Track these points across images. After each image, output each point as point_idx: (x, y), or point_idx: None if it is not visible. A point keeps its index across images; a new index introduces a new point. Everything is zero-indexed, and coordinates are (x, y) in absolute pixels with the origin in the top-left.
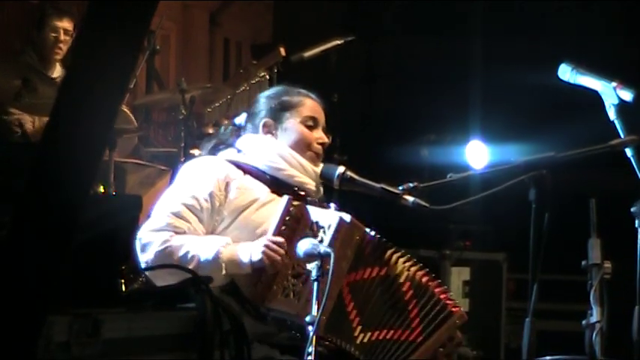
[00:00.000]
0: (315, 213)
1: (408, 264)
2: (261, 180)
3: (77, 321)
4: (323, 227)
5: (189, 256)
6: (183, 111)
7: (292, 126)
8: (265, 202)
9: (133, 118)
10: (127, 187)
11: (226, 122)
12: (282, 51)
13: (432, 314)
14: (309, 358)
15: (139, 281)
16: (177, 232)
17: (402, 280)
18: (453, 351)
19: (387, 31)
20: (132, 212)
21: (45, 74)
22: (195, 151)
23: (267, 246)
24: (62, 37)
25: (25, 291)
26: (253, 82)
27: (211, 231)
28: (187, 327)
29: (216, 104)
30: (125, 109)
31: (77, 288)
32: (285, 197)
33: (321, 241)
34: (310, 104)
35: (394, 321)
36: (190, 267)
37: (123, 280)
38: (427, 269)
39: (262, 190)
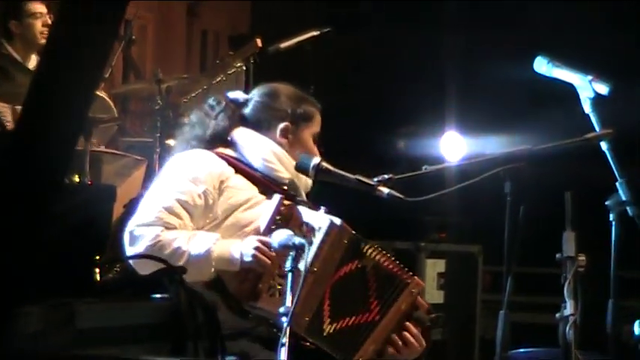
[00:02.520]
0: (306, 214)
1: (375, 254)
2: (252, 179)
3: (52, 311)
4: (314, 229)
5: (180, 251)
6: (159, 101)
7: (306, 138)
8: (255, 203)
9: (113, 106)
10: (102, 177)
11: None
12: (259, 42)
13: (387, 291)
14: (283, 349)
15: (113, 271)
16: (168, 228)
17: (368, 269)
18: (422, 317)
19: (364, 22)
20: (106, 202)
21: (22, 64)
22: (171, 141)
23: (258, 247)
24: (49, 21)
25: None
26: (230, 72)
27: (201, 227)
28: (161, 317)
29: (193, 95)
30: (106, 97)
31: (52, 278)
32: (277, 196)
33: (310, 243)
34: (319, 119)
35: (356, 308)
36: (181, 262)
37: (98, 270)
38: (393, 257)
39: (253, 190)
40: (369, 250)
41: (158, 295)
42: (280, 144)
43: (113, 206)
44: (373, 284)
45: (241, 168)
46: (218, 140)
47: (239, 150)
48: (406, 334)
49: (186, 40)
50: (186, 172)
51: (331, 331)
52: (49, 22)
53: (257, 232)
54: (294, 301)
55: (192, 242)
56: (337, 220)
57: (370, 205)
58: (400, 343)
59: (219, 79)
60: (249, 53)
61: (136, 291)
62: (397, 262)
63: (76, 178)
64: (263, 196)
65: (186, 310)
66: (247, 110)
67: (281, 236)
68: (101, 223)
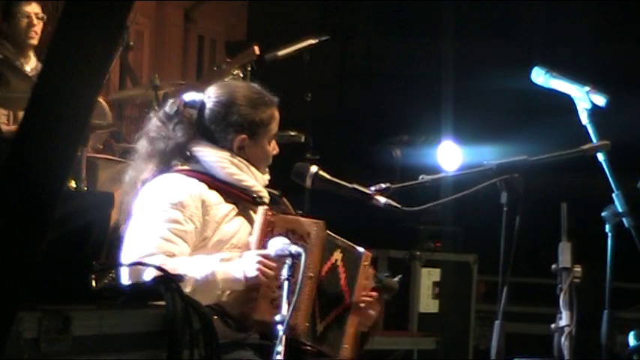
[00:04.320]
0: (290, 221)
1: (341, 244)
2: (222, 192)
3: (47, 317)
4: (301, 235)
5: (187, 278)
6: (156, 107)
7: (262, 144)
8: (231, 215)
9: (108, 111)
10: (98, 183)
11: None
12: (257, 49)
13: (351, 272)
14: (278, 357)
15: (108, 277)
16: (168, 256)
17: (339, 262)
18: (377, 286)
19: (361, 31)
20: (103, 209)
21: (18, 68)
22: None
23: (260, 262)
24: (34, 20)
25: None
26: (227, 79)
27: (193, 249)
28: (157, 325)
29: None
30: (103, 102)
31: (47, 284)
32: (261, 209)
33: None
34: (276, 116)
35: (336, 301)
36: (188, 289)
37: (93, 277)
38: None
39: (226, 203)
40: (338, 244)
41: (154, 303)
42: (238, 155)
43: (110, 213)
44: (344, 274)
45: (211, 183)
46: (178, 154)
47: (201, 164)
48: (368, 301)
49: (182, 46)
50: (168, 199)
51: (322, 329)
52: (35, 22)
53: (248, 247)
54: (291, 309)
55: (195, 267)
56: (320, 222)
57: (365, 214)
58: (369, 312)
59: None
60: (246, 60)
61: (133, 298)
62: (346, 239)
63: (72, 184)
64: (234, 207)
65: (182, 318)
66: (203, 118)
67: (277, 245)
68: (98, 229)
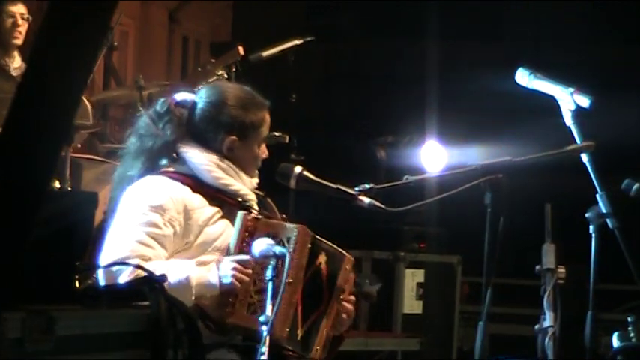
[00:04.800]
0: (271, 226)
1: (324, 247)
2: (206, 195)
3: (31, 317)
4: (281, 240)
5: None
6: (140, 108)
7: (252, 147)
8: (216, 218)
9: (89, 111)
10: (82, 183)
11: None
12: (241, 50)
13: (332, 275)
14: (263, 358)
15: (92, 278)
16: (143, 260)
17: (322, 265)
18: (356, 291)
19: (345, 32)
20: (88, 209)
21: (2, 68)
22: None
23: (235, 268)
24: (19, 21)
25: None
26: (211, 80)
27: (172, 253)
28: (141, 325)
29: None
30: (85, 101)
31: (31, 284)
32: (240, 213)
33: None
34: (267, 119)
35: (317, 304)
36: None
37: (77, 277)
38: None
39: (210, 206)
40: (323, 248)
41: (138, 303)
42: (227, 157)
43: (95, 213)
44: (325, 276)
45: (195, 186)
46: (165, 154)
47: (188, 166)
48: (345, 305)
49: (167, 47)
50: (147, 202)
51: (302, 333)
52: (20, 22)
53: (227, 251)
54: (274, 312)
55: (171, 271)
56: (301, 227)
57: (349, 215)
58: (344, 316)
59: (201, 86)
60: (231, 61)
61: (116, 298)
62: (330, 242)
63: (57, 184)
64: (218, 210)
65: (166, 319)
66: (194, 116)
67: (261, 246)
68: (82, 230)
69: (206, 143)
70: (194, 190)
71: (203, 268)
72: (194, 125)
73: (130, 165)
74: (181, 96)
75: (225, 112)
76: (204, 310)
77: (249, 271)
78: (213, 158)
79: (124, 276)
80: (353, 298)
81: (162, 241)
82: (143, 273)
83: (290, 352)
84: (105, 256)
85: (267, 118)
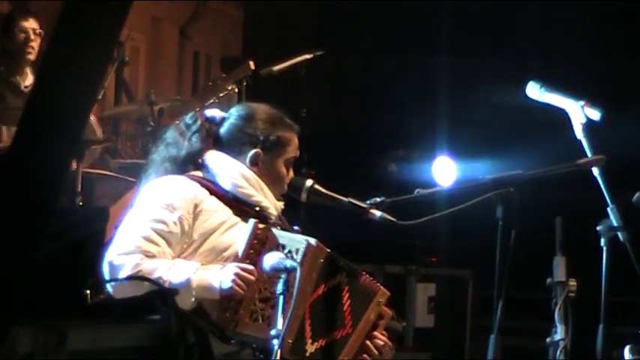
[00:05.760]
0: (282, 236)
1: (345, 270)
2: (225, 201)
3: (42, 332)
4: (291, 251)
5: (161, 281)
6: (151, 123)
7: (277, 164)
8: (231, 225)
9: (97, 128)
10: (94, 199)
11: (196, 113)
12: (252, 64)
13: (358, 303)
14: None
15: (104, 292)
16: (147, 256)
17: (342, 286)
18: (395, 326)
19: (357, 46)
20: (99, 224)
21: (13, 83)
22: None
23: (237, 274)
24: (32, 36)
25: None
26: (222, 95)
27: (179, 253)
28: (152, 339)
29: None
30: (91, 119)
31: (43, 299)
32: (252, 221)
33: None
34: (296, 143)
35: (334, 325)
36: None
37: (89, 292)
38: (362, 271)
39: (227, 212)
40: (341, 266)
41: (149, 317)
42: (250, 169)
43: (106, 228)
44: (347, 300)
45: (214, 190)
46: (190, 162)
47: (210, 172)
48: (377, 341)
49: (178, 62)
50: (160, 199)
51: (312, 350)
52: (32, 37)
53: (235, 258)
54: (285, 324)
55: (173, 271)
56: (313, 241)
57: (361, 229)
58: (375, 350)
59: (212, 101)
60: (241, 75)
61: (128, 313)
62: (364, 273)
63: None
64: (238, 218)
65: (177, 333)
66: (222, 130)
67: (272, 260)
68: (93, 244)
69: (231, 153)
70: (211, 193)
71: (205, 271)
72: (221, 138)
73: (155, 171)
74: (211, 112)
75: (252, 125)
76: (207, 314)
77: (252, 278)
78: (238, 167)
79: (125, 271)
80: (384, 338)
81: (168, 238)
82: (147, 268)
83: None
84: (112, 249)
85: (295, 140)
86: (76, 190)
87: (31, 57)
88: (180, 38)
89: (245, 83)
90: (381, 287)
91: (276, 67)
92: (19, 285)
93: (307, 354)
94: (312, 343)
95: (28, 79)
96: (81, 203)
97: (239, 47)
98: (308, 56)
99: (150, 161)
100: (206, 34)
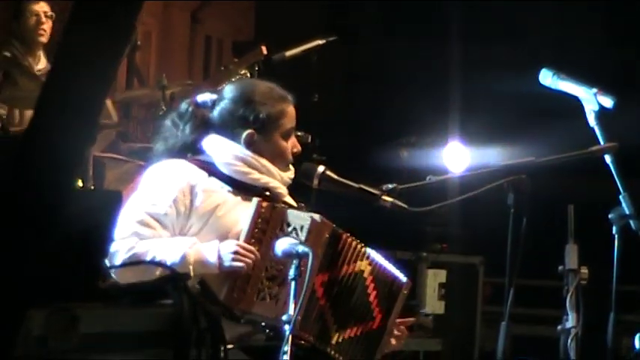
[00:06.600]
0: (286, 214)
1: (372, 258)
2: (225, 182)
3: (54, 315)
4: (295, 228)
5: (156, 260)
6: (163, 107)
7: (274, 140)
8: (233, 205)
9: (113, 112)
10: (105, 182)
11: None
12: (264, 50)
13: (387, 296)
14: (285, 357)
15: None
16: (141, 239)
17: (365, 275)
18: (418, 322)
19: (368, 32)
20: (111, 208)
21: (26, 67)
22: None
23: (236, 252)
24: (43, 18)
25: (6, 285)
26: (234, 80)
27: (179, 235)
28: (164, 324)
29: None
30: (107, 103)
31: (55, 282)
32: (255, 200)
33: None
34: (291, 113)
35: (360, 316)
36: (158, 272)
37: (100, 276)
38: (388, 262)
39: (228, 193)
40: (366, 255)
41: (161, 302)
42: (248, 149)
43: (119, 212)
44: (373, 290)
45: (213, 171)
46: (187, 151)
47: (208, 156)
48: (402, 328)
49: (189, 47)
50: (155, 183)
51: (340, 340)
52: (43, 20)
53: (238, 237)
54: (297, 309)
55: (168, 249)
56: (317, 216)
57: (372, 215)
58: (393, 341)
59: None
60: (253, 60)
61: (140, 297)
62: (388, 262)
63: (80, 183)
64: (238, 198)
65: (189, 317)
66: (215, 114)
67: (284, 245)
68: (105, 228)
69: (226, 135)
70: (210, 174)
71: (201, 245)
72: (214, 123)
73: (157, 158)
74: (202, 97)
75: (240, 106)
76: (215, 295)
77: (252, 255)
78: (233, 149)
79: (120, 255)
80: (408, 322)
81: (163, 221)
82: (140, 250)
83: (302, 342)
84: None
85: (289, 110)
86: (88, 174)
87: (43, 39)
88: (191, 23)
89: (257, 68)
90: (405, 278)
91: (289, 53)
92: (33, 269)
93: (333, 341)
94: (336, 331)
95: (41, 63)
96: (92, 187)
97: (251, 32)
98: (320, 42)
99: (152, 155)
100: (218, 18)
